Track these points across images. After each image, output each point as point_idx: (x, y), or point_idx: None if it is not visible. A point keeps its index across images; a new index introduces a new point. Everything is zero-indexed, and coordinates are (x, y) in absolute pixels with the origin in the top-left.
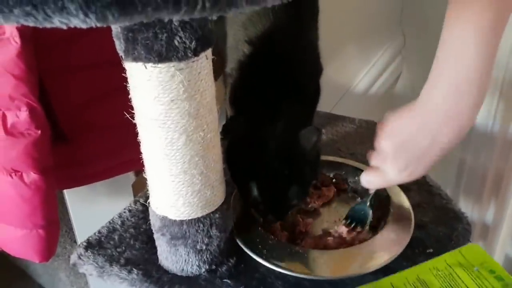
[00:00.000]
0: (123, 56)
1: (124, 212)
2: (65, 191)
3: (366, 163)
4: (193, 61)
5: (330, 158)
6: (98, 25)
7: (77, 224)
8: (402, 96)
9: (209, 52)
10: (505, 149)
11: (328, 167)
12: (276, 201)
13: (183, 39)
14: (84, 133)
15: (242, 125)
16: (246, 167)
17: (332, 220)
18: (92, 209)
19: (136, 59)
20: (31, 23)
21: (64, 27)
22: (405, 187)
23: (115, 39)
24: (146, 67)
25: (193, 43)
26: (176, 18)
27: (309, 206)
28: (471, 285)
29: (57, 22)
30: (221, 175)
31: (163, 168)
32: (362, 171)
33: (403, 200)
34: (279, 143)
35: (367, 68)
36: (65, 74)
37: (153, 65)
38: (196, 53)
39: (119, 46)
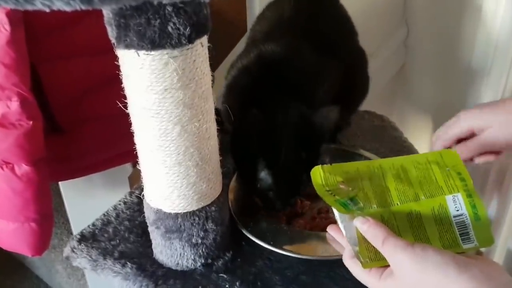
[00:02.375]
0: (115, 43)
1: (119, 204)
2: (60, 182)
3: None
4: (188, 49)
5: (343, 147)
6: (83, 7)
7: (72, 216)
8: (404, 88)
9: (204, 39)
10: None
11: (339, 156)
12: (290, 188)
13: (177, 25)
14: (80, 124)
15: (258, 117)
16: (257, 155)
17: None
18: (88, 201)
19: (128, 46)
20: (11, 5)
21: (47, 10)
22: None
23: (107, 26)
24: (138, 55)
25: (187, 30)
26: (167, 1)
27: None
28: (440, 179)
29: (39, 4)
30: (217, 167)
31: (157, 160)
32: None
33: None
34: (296, 126)
35: (369, 59)
36: (59, 62)
37: (146, 53)
38: (190, 40)
39: (111, 33)
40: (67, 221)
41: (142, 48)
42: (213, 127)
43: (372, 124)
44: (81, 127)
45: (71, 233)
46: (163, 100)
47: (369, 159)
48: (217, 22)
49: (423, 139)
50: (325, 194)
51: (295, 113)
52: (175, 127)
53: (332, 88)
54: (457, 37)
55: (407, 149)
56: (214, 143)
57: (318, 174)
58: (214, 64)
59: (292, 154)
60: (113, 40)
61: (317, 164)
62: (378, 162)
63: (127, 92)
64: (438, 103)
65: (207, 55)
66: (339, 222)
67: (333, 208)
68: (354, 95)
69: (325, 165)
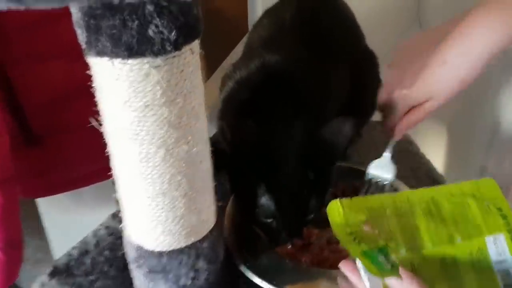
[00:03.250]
0: (85, 49)
1: (100, 229)
2: (37, 199)
3: None
4: (174, 57)
5: (354, 165)
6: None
7: (53, 237)
8: None
9: (195, 44)
10: None
11: (349, 175)
12: (297, 216)
13: (160, 28)
14: (58, 134)
15: (254, 129)
16: (257, 178)
17: None
18: (69, 221)
19: (100, 53)
20: None
21: None
22: None
23: (76, 28)
24: (113, 64)
25: (173, 34)
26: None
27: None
28: (478, 216)
29: None
30: (210, 196)
31: (137, 189)
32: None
33: None
34: (302, 143)
35: (381, 59)
36: (34, 65)
37: (122, 61)
38: (177, 46)
39: (81, 37)
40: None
41: (117, 55)
42: (205, 149)
43: (383, 136)
44: (60, 137)
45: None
46: (143, 119)
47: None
48: (216, 20)
49: (436, 146)
50: (348, 240)
51: (301, 127)
52: (158, 150)
53: (341, 98)
54: None
55: (425, 166)
56: (207, 168)
57: (337, 211)
58: (208, 69)
59: (298, 175)
60: (83, 45)
61: (328, 188)
62: (405, 194)
63: (101, 107)
64: (453, 109)
65: (199, 63)
66: (362, 272)
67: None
68: (365, 104)
69: (344, 199)
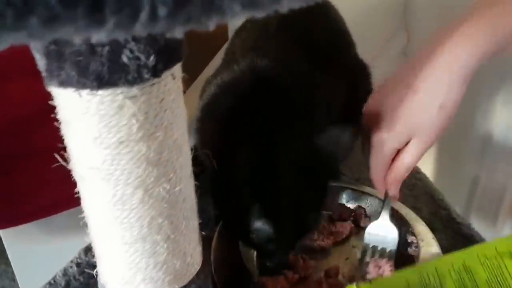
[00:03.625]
0: (45, 78)
1: (70, 267)
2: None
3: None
4: (152, 84)
5: (349, 185)
6: None
7: (18, 267)
8: None
9: (177, 68)
10: None
11: (347, 197)
12: (296, 236)
13: (136, 53)
14: (22, 160)
15: (254, 158)
16: (249, 200)
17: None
18: (36, 249)
19: (64, 83)
20: None
21: None
22: (428, 226)
23: (33, 52)
24: (80, 95)
25: (151, 59)
26: (99, 38)
27: (316, 243)
28: None
29: None
30: (195, 236)
31: (112, 235)
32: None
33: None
34: (297, 157)
35: None
36: None
37: (91, 93)
38: (156, 72)
39: (40, 63)
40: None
41: (84, 86)
42: (189, 185)
43: None
44: (22, 163)
45: None
46: (117, 157)
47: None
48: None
49: (425, 155)
50: None
51: (296, 138)
52: (135, 191)
53: (334, 109)
54: None
55: (422, 183)
56: (191, 206)
57: None
58: (188, 78)
59: (297, 193)
60: (43, 73)
61: (324, 201)
62: (432, 265)
63: (68, 144)
64: None
65: (181, 89)
66: None
67: None
68: (357, 115)
69: (362, 283)
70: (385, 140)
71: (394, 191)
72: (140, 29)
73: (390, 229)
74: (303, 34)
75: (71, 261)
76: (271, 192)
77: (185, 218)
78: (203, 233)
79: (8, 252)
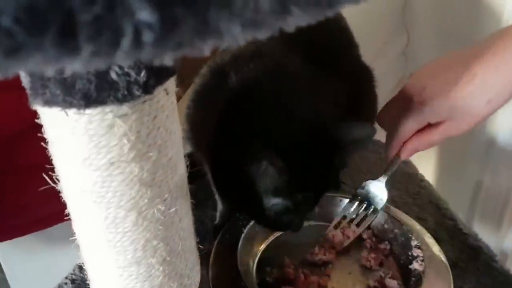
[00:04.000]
0: (30, 97)
1: (65, 283)
2: None
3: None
4: (144, 102)
5: (346, 194)
6: None
7: (14, 283)
8: None
9: (170, 83)
10: None
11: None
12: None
13: (125, 69)
14: (12, 173)
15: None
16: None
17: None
18: (33, 264)
19: (49, 102)
20: None
21: None
22: (433, 237)
23: None
24: (67, 114)
25: (142, 75)
26: (74, 69)
27: (317, 257)
28: None
29: None
30: (193, 256)
31: (106, 258)
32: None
33: (437, 257)
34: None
35: None
36: None
37: (78, 112)
38: (147, 89)
39: (24, 80)
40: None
41: (71, 105)
42: (185, 205)
43: (380, 156)
44: (13, 177)
45: None
46: (108, 178)
47: (386, 211)
48: None
49: (427, 158)
50: None
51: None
52: (128, 214)
53: (337, 112)
54: (461, 45)
55: (426, 191)
56: (188, 225)
57: None
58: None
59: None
60: (27, 91)
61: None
62: None
63: (56, 164)
64: None
65: (175, 104)
66: None
67: None
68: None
69: None
70: (421, 110)
71: (407, 156)
72: (122, 57)
73: (382, 191)
74: (305, 34)
75: (66, 277)
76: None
77: (181, 239)
78: (201, 246)
79: (2, 264)
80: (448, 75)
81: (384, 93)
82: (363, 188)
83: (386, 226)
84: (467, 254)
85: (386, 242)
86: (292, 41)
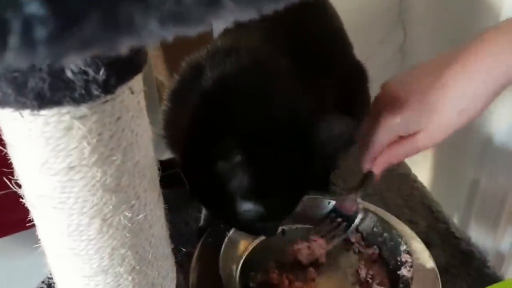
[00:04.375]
0: None
1: (41, 287)
2: None
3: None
4: (105, 102)
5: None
6: None
7: None
8: None
9: (136, 81)
10: None
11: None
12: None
13: (83, 68)
14: None
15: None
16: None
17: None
18: (7, 269)
19: (1, 102)
20: None
21: None
22: (424, 241)
23: None
24: (22, 116)
25: (101, 73)
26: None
27: (303, 262)
28: None
29: None
30: (167, 264)
31: (70, 267)
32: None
33: (426, 263)
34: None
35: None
36: None
37: (33, 113)
38: (108, 88)
39: None
40: None
41: (24, 106)
42: (156, 210)
43: None
44: None
45: None
46: (69, 184)
47: (376, 214)
48: None
49: (421, 157)
50: None
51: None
52: (92, 221)
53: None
54: (459, 41)
55: (418, 192)
56: (159, 232)
57: None
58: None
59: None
60: None
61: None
62: None
63: (16, 167)
64: None
65: (143, 104)
66: None
67: None
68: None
69: None
70: (396, 123)
71: (379, 170)
72: (13, 59)
73: (355, 208)
74: (292, 28)
75: (42, 282)
76: (264, 172)
77: (152, 246)
78: (183, 249)
79: None
80: (419, 86)
81: (379, 90)
82: (337, 203)
83: (375, 229)
84: (458, 259)
85: (375, 247)
86: (279, 38)
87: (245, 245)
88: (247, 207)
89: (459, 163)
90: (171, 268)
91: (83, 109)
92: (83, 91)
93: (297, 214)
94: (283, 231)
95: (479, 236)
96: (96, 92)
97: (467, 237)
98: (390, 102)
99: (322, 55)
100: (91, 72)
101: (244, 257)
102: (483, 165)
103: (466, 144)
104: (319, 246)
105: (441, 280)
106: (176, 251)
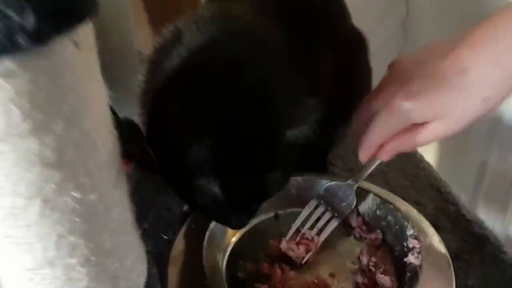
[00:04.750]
0: None
1: None
2: None
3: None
4: (39, 55)
5: (336, 178)
6: None
7: None
8: None
9: (84, 34)
10: None
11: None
12: (250, 197)
13: (2, 10)
14: None
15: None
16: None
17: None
18: None
19: None
20: None
21: None
22: (433, 224)
23: None
24: None
25: (29, 18)
26: None
27: (295, 251)
28: None
29: None
30: (134, 254)
31: (10, 259)
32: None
33: (437, 249)
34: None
35: None
36: None
37: None
38: (40, 37)
39: None
40: None
41: None
42: (115, 190)
43: None
44: None
45: None
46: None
47: (380, 196)
48: None
49: None
50: None
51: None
52: (31, 203)
53: (321, 88)
54: (462, 17)
55: (425, 172)
56: (121, 216)
57: None
58: None
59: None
60: None
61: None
62: None
63: None
64: None
65: (95, 62)
66: None
67: None
68: (350, 97)
69: None
70: (407, 110)
71: (386, 158)
72: None
73: (350, 196)
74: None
75: None
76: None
77: (111, 234)
78: (164, 236)
79: None
80: (436, 69)
81: (381, 67)
82: (328, 190)
83: (378, 212)
84: (471, 244)
85: (378, 231)
86: (272, 7)
87: (234, 232)
88: (202, 182)
89: (467, 143)
90: (140, 259)
91: (8, 63)
92: (5, 40)
93: (291, 197)
94: (277, 215)
95: (488, 220)
96: (22, 42)
97: (479, 219)
98: (402, 85)
99: (318, 23)
100: (14, 16)
101: (232, 244)
102: (492, 145)
103: (474, 124)
104: (311, 243)
105: (453, 268)
106: (156, 239)
